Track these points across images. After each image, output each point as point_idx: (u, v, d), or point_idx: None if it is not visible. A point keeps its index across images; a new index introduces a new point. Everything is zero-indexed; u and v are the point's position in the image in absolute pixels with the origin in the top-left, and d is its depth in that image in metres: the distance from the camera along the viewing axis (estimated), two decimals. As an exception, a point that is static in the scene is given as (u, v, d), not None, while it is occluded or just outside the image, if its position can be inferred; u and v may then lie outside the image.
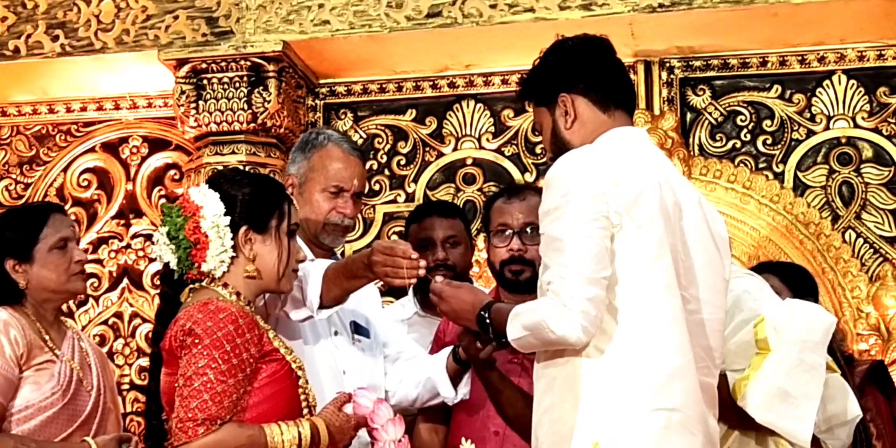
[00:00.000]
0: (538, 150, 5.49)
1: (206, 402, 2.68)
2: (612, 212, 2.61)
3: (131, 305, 5.78)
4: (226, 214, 2.85)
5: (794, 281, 4.19)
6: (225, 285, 2.87)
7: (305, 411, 2.85)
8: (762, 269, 4.32)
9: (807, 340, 3.04)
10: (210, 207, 2.86)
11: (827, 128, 5.35)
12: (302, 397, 2.85)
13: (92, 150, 5.95)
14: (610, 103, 2.86)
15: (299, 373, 2.85)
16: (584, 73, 2.87)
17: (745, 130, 5.42)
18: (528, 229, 3.43)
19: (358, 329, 3.46)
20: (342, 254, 5.36)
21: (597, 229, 2.59)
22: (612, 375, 2.60)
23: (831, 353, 3.42)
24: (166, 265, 2.97)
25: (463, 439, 3.09)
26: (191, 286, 2.91)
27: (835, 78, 5.36)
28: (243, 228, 2.86)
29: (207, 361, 2.70)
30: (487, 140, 5.62)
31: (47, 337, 3.46)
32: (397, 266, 3.02)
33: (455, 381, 3.35)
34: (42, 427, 3.36)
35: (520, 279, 3.44)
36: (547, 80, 2.89)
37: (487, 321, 2.79)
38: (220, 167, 5.23)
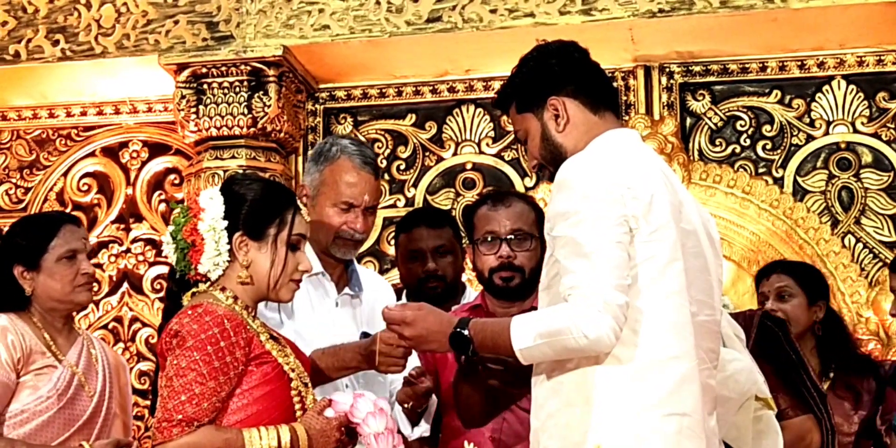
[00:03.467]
0: (538, 154, 5.48)
1: (184, 403, 2.68)
2: (630, 216, 2.60)
3: (131, 310, 5.78)
4: (225, 218, 2.85)
5: (808, 283, 4.20)
6: (223, 289, 2.87)
7: (300, 414, 2.84)
8: (776, 268, 4.32)
9: (720, 396, 3.02)
10: (210, 210, 2.85)
11: (826, 133, 5.36)
12: (296, 400, 2.85)
13: (92, 154, 5.95)
14: (599, 105, 2.83)
15: (292, 375, 2.84)
16: (571, 75, 2.84)
17: (744, 135, 5.42)
18: (516, 236, 3.42)
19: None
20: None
21: (621, 234, 2.57)
22: (623, 380, 2.58)
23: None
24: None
25: (465, 443, 3.08)
26: (193, 290, 2.91)
27: (834, 83, 5.36)
28: (237, 234, 2.86)
29: (189, 363, 2.70)
30: (487, 145, 5.63)
31: (52, 343, 3.48)
32: (398, 356, 3.06)
33: (412, 418, 3.34)
34: (38, 431, 3.38)
35: (510, 286, 3.42)
36: (534, 84, 2.85)
37: (469, 337, 2.68)
38: (220, 172, 5.23)
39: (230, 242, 2.85)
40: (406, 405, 3.25)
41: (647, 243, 2.60)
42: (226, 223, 2.84)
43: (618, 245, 2.56)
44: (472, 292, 4.38)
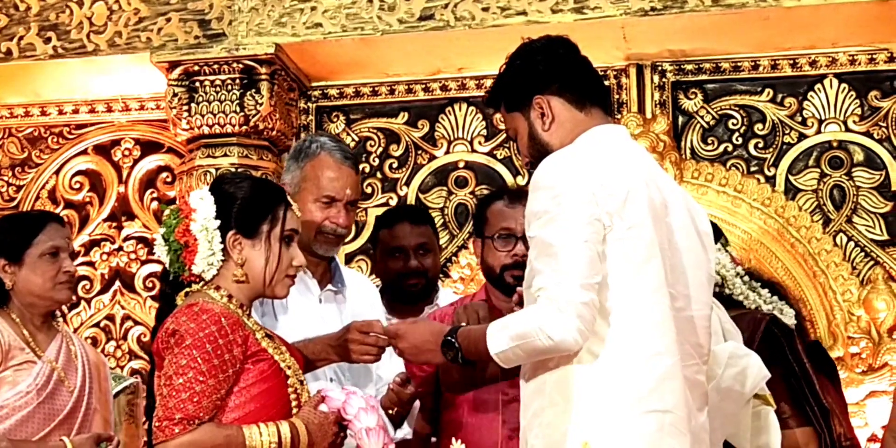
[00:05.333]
0: (530, 153, 5.49)
1: (185, 401, 2.69)
2: (603, 214, 2.60)
3: (123, 308, 5.77)
4: (217, 218, 2.85)
5: None
6: (217, 288, 2.88)
7: (296, 411, 2.85)
8: None
9: (732, 390, 3.05)
10: (202, 210, 2.86)
11: (818, 131, 5.37)
12: (292, 397, 2.86)
13: (84, 152, 5.95)
14: (585, 101, 2.84)
15: (288, 372, 2.85)
16: (556, 73, 2.84)
17: (736, 134, 5.43)
18: None
19: None
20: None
21: (590, 233, 2.58)
22: (603, 379, 2.59)
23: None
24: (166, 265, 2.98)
25: (453, 439, 3.09)
26: (187, 289, 2.92)
27: (826, 82, 5.37)
28: (231, 232, 2.87)
29: (188, 361, 2.72)
30: (479, 143, 5.63)
31: (31, 339, 3.53)
32: (371, 344, 3.08)
33: (395, 421, 3.35)
34: (18, 426, 3.41)
35: (521, 284, 3.43)
36: (519, 83, 2.86)
37: (456, 345, 2.76)
38: (213, 170, 5.23)
39: (223, 242, 2.86)
40: (391, 411, 3.27)
41: (623, 240, 2.61)
42: (218, 222, 2.85)
43: (585, 244, 2.57)
44: (445, 292, 4.37)
